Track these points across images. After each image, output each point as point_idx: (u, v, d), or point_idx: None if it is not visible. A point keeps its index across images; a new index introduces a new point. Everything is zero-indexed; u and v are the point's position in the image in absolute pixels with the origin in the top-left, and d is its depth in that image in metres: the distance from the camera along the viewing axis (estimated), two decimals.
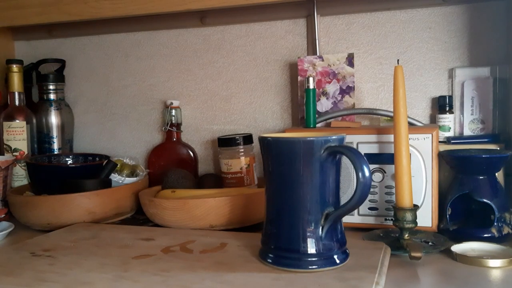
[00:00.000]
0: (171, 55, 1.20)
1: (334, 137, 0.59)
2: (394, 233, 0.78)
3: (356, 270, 0.58)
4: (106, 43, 1.26)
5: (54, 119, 1.19)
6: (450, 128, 0.96)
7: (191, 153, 1.16)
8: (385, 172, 0.82)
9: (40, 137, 1.18)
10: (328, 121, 0.99)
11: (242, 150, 1.02)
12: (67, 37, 1.29)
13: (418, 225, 0.74)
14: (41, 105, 1.20)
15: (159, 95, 1.22)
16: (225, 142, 1.03)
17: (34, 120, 1.14)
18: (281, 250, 0.60)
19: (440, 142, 0.88)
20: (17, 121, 1.10)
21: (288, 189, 0.60)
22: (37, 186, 0.98)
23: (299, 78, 1.04)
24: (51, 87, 1.20)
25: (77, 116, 1.28)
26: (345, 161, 0.63)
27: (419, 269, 0.65)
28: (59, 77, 1.22)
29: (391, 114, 0.93)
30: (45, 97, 1.20)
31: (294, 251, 0.59)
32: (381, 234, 0.79)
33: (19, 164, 1.09)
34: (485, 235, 0.74)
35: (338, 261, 0.59)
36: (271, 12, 1.10)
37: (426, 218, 0.79)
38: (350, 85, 1.01)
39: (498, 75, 0.95)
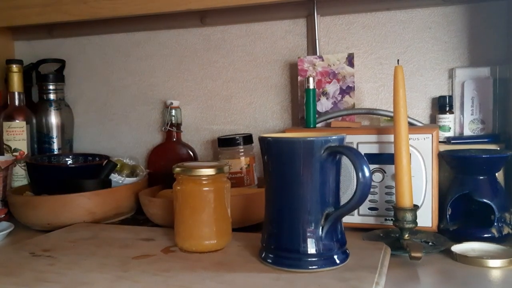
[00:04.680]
0: (171, 55, 1.20)
1: (334, 137, 0.59)
2: (394, 233, 0.78)
3: (356, 270, 0.58)
4: (106, 43, 1.26)
5: (54, 119, 1.19)
6: (450, 128, 0.96)
7: (191, 153, 1.16)
8: (385, 172, 0.82)
9: (40, 137, 1.18)
10: (328, 121, 0.99)
11: (242, 150, 1.02)
12: (67, 37, 1.29)
13: (418, 225, 0.74)
14: (41, 105, 1.20)
15: (159, 95, 1.22)
16: (225, 142, 1.03)
17: (34, 120, 1.14)
18: (281, 250, 0.60)
19: (440, 142, 0.88)
20: (17, 121, 1.10)
21: (288, 189, 0.59)
22: (37, 186, 0.98)
23: (299, 78, 1.04)
24: (51, 87, 1.20)
25: (77, 116, 1.28)
26: (345, 161, 0.63)
27: (419, 269, 0.65)
28: (59, 77, 1.22)
29: (391, 114, 0.93)
30: (45, 97, 1.20)
31: (294, 251, 0.59)
32: (381, 234, 0.79)
33: (19, 164, 1.09)
34: (485, 235, 0.74)
35: (338, 261, 0.59)
36: (271, 12, 1.10)
37: (426, 218, 0.79)
38: (350, 85, 1.01)
39: (498, 75, 0.95)
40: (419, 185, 0.79)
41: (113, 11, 1.06)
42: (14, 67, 1.11)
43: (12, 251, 0.71)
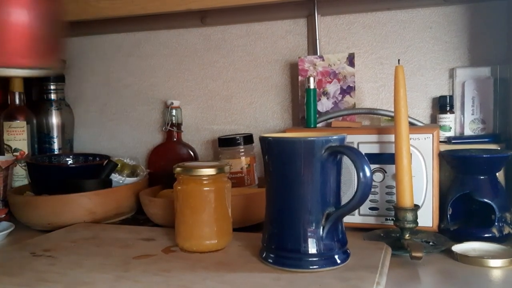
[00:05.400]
0: (171, 55, 1.20)
1: (335, 137, 0.59)
2: (395, 233, 0.78)
3: (357, 270, 0.58)
4: (106, 43, 1.26)
5: (54, 119, 1.19)
6: (450, 128, 0.96)
7: (191, 153, 1.16)
8: (385, 172, 0.82)
9: (40, 137, 1.18)
10: (328, 121, 0.99)
11: (242, 150, 1.02)
12: (67, 37, 1.29)
13: (419, 225, 0.74)
14: (41, 105, 1.20)
15: (160, 95, 1.22)
16: (226, 142, 1.02)
17: (35, 120, 1.14)
18: (282, 250, 0.60)
19: (440, 142, 0.88)
20: (17, 121, 1.10)
21: (289, 189, 0.59)
22: (37, 186, 0.98)
23: (300, 78, 1.04)
24: (51, 87, 1.20)
25: (78, 116, 1.28)
26: (346, 161, 0.63)
27: (420, 269, 0.65)
28: (60, 77, 1.22)
29: (392, 114, 0.93)
30: (45, 97, 1.20)
31: (295, 251, 0.59)
32: (382, 234, 0.79)
33: (20, 164, 1.09)
34: (486, 235, 0.74)
35: (339, 261, 0.59)
36: (272, 12, 1.10)
37: (427, 218, 0.79)
38: (351, 85, 1.01)
39: (498, 75, 0.95)
40: (420, 185, 0.79)
41: (113, 11, 1.06)
42: None
43: (12, 251, 0.71)
